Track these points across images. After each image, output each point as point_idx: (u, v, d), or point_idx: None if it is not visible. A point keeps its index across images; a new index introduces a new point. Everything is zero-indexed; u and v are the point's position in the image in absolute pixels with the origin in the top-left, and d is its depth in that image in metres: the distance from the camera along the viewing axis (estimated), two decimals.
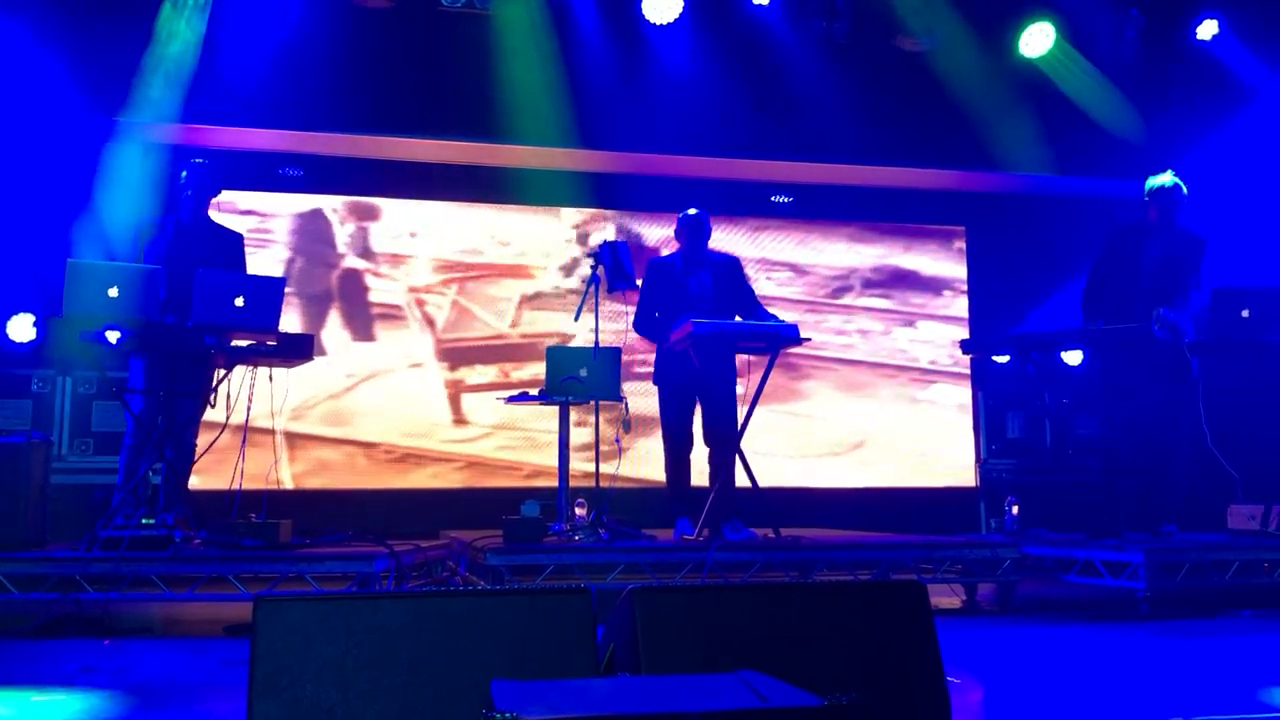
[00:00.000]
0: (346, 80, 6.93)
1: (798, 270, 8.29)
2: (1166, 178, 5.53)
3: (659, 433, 5.48)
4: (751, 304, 5.43)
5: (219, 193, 5.28)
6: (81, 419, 6.58)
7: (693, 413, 5.38)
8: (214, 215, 5.29)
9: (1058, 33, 7.69)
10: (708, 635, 2.07)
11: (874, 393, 8.36)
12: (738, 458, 5.21)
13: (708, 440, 5.39)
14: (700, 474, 5.39)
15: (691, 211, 5.45)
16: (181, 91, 6.54)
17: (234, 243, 5.29)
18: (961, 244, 8.71)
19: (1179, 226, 5.55)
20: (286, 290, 5.03)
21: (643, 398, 6.49)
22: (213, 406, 4.74)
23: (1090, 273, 5.72)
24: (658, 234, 8.02)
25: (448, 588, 5.07)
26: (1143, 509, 5.60)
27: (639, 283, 5.44)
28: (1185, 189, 5.52)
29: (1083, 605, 5.25)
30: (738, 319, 5.28)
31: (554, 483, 5.57)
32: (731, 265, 5.61)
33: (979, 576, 5.21)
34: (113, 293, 4.38)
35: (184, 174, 5.18)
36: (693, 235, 5.41)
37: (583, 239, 7.98)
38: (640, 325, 5.43)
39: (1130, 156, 7.61)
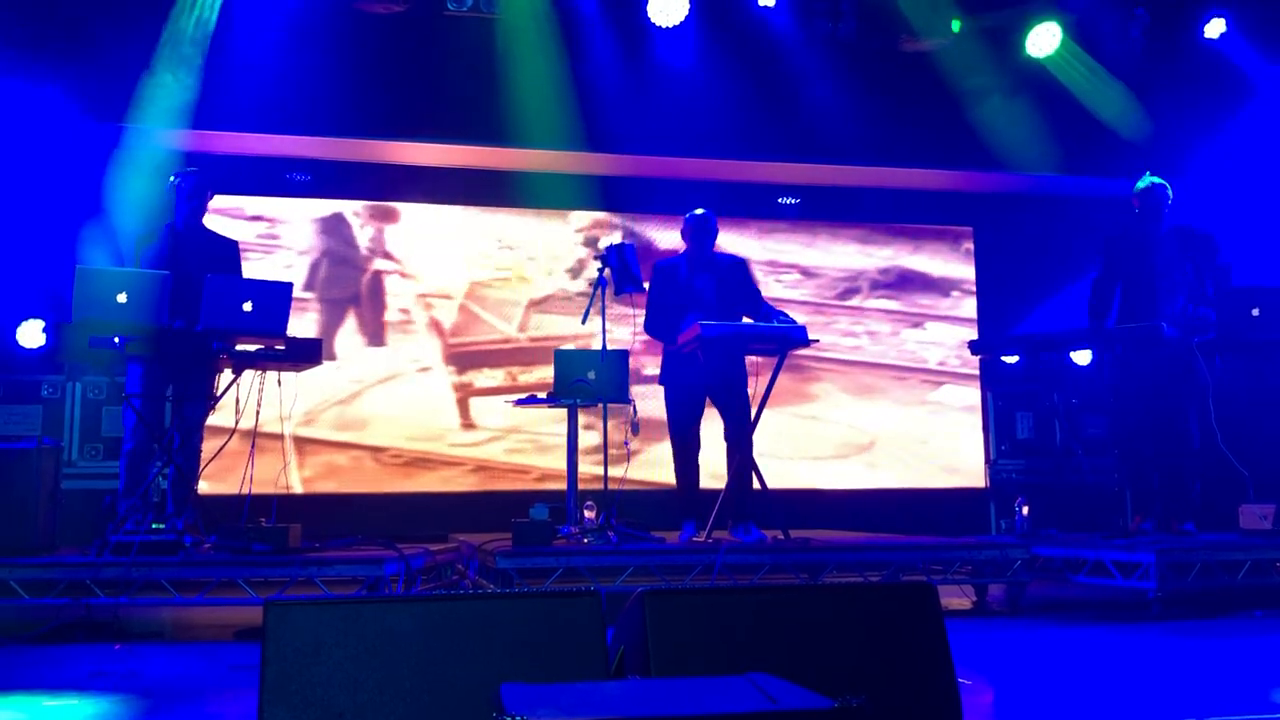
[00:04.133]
0: (352, 85, 6.93)
1: (805, 272, 8.29)
2: (1147, 179, 5.58)
3: (669, 435, 5.47)
4: (758, 304, 5.37)
5: (211, 198, 5.29)
6: (91, 424, 6.61)
7: (700, 415, 5.36)
8: (210, 221, 5.31)
9: (1064, 32, 7.68)
10: (717, 637, 2.07)
11: (883, 394, 8.35)
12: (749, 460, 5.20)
13: (728, 442, 5.36)
14: (712, 477, 5.36)
15: (698, 212, 5.43)
16: (189, 97, 6.55)
17: (229, 248, 5.30)
18: (969, 244, 8.70)
19: (1172, 223, 5.55)
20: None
21: (651, 400, 6.49)
22: (214, 411, 4.74)
23: (1092, 288, 5.72)
24: (665, 236, 8.02)
25: (457, 591, 5.06)
26: (1159, 509, 5.59)
27: (646, 286, 5.43)
28: (1170, 190, 5.54)
29: (1093, 606, 5.23)
30: (745, 320, 5.27)
31: (563, 486, 5.57)
32: (737, 266, 5.55)
33: (989, 577, 5.19)
34: (121, 298, 4.39)
35: (174, 180, 5.17)
36: (698, 236, 5.39)
37: (590, 242, 7.98)
38: (649, 327, 5.43)
39: (1138, 156, 7.59)
